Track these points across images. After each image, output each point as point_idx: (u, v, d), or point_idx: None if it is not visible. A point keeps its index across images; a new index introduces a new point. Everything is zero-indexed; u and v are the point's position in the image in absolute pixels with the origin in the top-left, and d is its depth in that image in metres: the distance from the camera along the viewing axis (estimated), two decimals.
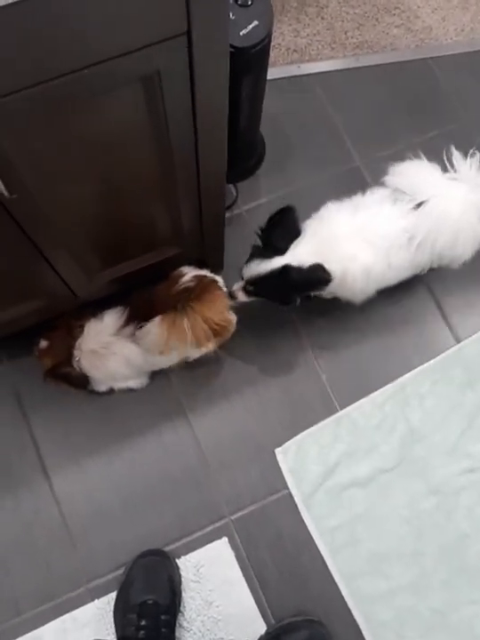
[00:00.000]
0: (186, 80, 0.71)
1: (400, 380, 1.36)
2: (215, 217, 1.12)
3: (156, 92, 0.72)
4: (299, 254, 1.14)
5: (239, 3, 1.08)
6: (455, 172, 1.15)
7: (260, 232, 1.18)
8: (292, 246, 1.16)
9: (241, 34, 1.07)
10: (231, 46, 1.06)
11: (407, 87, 1.62)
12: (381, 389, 1.35)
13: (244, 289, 1.23)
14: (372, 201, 1.18)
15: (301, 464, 1.29)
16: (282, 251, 1.16)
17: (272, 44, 1.64)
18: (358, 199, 1.20)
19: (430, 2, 1.71)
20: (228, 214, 1.46)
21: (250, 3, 1.08)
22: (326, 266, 1.12)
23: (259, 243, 1.19)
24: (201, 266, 1.33)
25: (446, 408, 1.34)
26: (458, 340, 1.40)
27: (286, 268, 1.13)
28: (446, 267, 1.25)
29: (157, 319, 1.07)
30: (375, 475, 1.29)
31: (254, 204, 1.50)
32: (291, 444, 1.30)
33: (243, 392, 1.33)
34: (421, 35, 1.68)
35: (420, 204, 1.13)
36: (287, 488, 1.27)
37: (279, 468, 1.28)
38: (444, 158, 1.16)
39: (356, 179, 1.52)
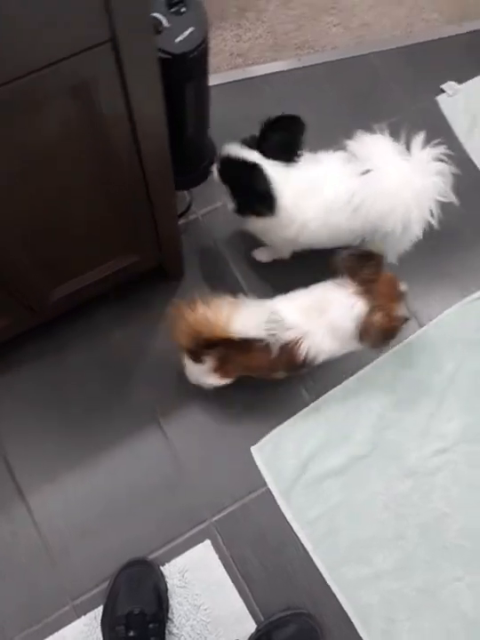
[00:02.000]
0: (118, 88, 0.72)
1: (368, 367, 1.38)
2: (168, 223, 1.13)
3: (90, 101, 0.73)
4: (280, 187, 1.14)
5: (173, 11, 1.10)
6: (409, 153, 1.18)
7: (264, 124, 1.15)
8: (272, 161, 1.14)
9: (177, 41, 1.08)
10: (168, 53, 1.09)
11: (351, 83, 1.65)
12: (350, 378, 1.37)
13: (218, 166, 1.21)
14: (328, 158, 1.20)
15: (278, 460, 1.30)
16: (267, 154, 1.15)
17: (215, 50, 1.68)
18: (319, 155, 1.22)
19: (366, 0, 1.76)
20: (183, 220, 1.48)
21: (184, 10, 1.10)
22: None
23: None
24: (160, 273, 1.35)
25: (414, 392, 1.37)
26: (421, 325, 1.43)
27: (256, 167, 1.12)
28: (381, 244, 1.24)
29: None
30: (350, 463, 1.30)
31: (210, 208, 1.51)
32: (266, 441, 1.31)
33: (213, 392, 1.33)
34: (360, 31, 1.73)
35: (366, 172, 1.15)
36: (265, 485, 1.28)
37: (256, 466, 1.29)
38: (403, 141, 1.18)
39: None
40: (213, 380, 1.16)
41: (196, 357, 1.12)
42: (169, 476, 1.28)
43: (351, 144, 1.19)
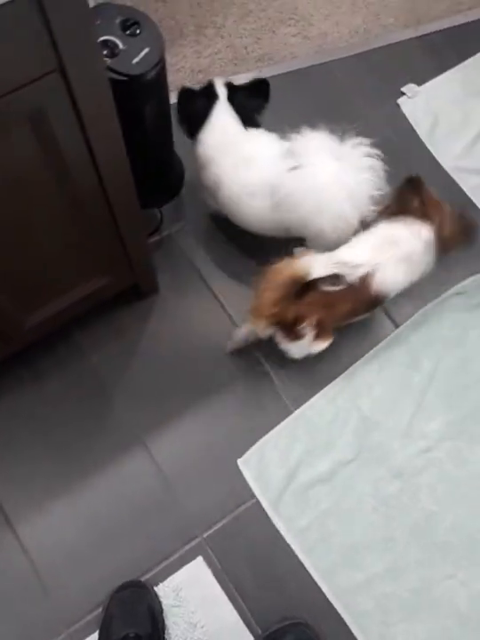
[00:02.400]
0: (71, 114, 0.73)
1: (347, 371, 1.39)
2: (137, 243, 1.13)
3: (46, 129, 0.74)
4: (217, 119, 1.25)
5: (128, 33, 1.10)
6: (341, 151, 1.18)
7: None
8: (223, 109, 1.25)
9: (134, 62, 1.09)
10: (126, 75, 1.09)
11: (313, 92, 1.67)
12: (331, 384, 1.38)
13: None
14: (269, 141, 1.26)
15: (264, 471, 1.30)
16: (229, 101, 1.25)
17: (176, 67, 1.69)
18: (265, 134, 1.28)
19: (321, 9, 1.78)
20: (156, 238, 1.49)
21: (138, 31, 1.11)
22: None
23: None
24: (135, 291, 1.35)
25: (395, 392, 1.38)
26: (396, 326, 1.44)
27: (212, 92, 1.24)
28: (316, 240, 1.25)
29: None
30: (337, 468, 1.31)
31: (181, 224, 1.52)
32: (251, 453, 1.31)
33: (196, 408, 1.34)
34: (318, 41, 1.75)
35: (294, 169, 1.16)
36: (254, 497, 1.28)
37: (243, 479, 1.29)
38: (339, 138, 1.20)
39: None
40: (319, 346, 1.20)
41: (294, 334, 1.14)
42: (157, 494, 1.27)
43: (295, 137, 1.20)
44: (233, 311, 1.43)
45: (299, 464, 1.31)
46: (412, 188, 1.19)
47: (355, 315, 1.23)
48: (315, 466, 1.31)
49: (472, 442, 1.35)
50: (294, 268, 1.08)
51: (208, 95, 1.27)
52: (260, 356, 1.39)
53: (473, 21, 1.80)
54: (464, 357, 1.42)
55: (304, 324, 1.12)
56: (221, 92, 1.26)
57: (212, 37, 1.71)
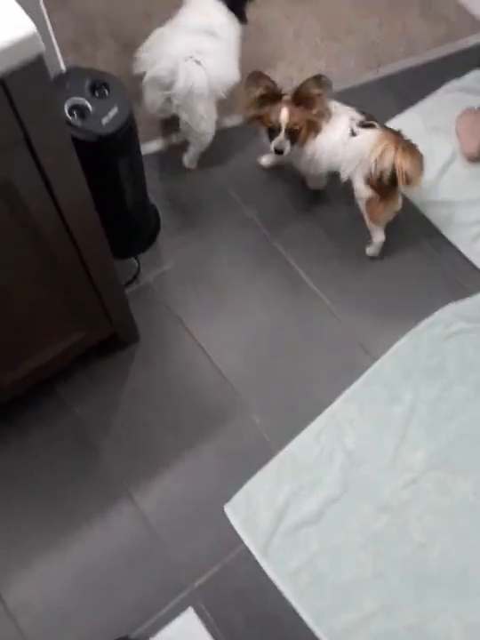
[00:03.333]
0: (39, 180, 0.75)
1: (329, 408, 1.40)
2: (113, 295, 1.15)
3: (15, 195, 0.76)
4: None
5: (96, 95, 1.14)
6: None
7: None
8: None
9: (103, 122, 1.13)
10: (96, 135, 1.12)
11: None
12: (314, 422, 1.39)
13: None
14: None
15: (252, 515, 1.30)
16: None
17: (149, 119, 1.73)
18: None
19: (286, 56, 1.85)
20: (134, 286, 1.51)
21: (107, 93, 1.15)
22: None
23: None
24: (115, 341, 1.36)
25: (378, 426, 1.39)
26: (375, 359, 1.46)
27: None
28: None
29: None
30: (324, 507, 1.31)
31: (159, 271, 1.54)
32: (238, 498, 1.31)
33: (180, 455, 1.34)
34: (283, 84, 1.80)
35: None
36: (242, 542, 1.27)
37: (231, 525, 1.29)
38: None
39: (250, 227, 1.60)
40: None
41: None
42: (144, 546, 1.26)
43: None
44: (213, 354, 1.44)
45: (286, 505, 1.31)
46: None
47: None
48: (302, 506, 1.31)
49: (455, 471, 1.36)
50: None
51: None
52: (242, 398, 1.40)
53: (430, 62, 1.88)
54: (444, 387, 1.44)
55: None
56: None
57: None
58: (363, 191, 1.41)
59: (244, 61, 1.80)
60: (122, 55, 1.80)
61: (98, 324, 1.23)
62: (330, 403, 1.40)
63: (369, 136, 1.35)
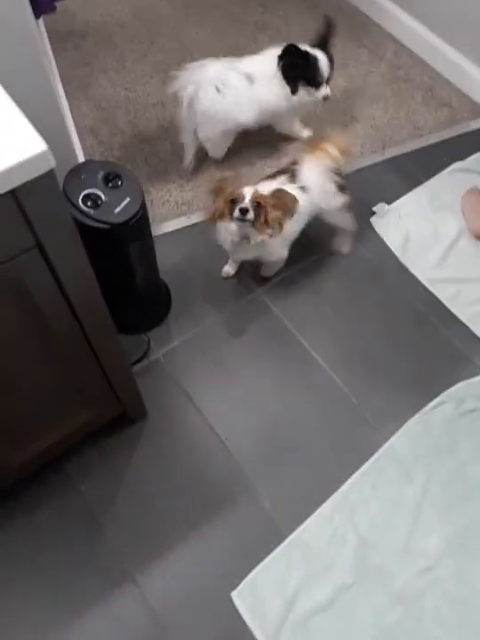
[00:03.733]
0: (51, 279, 0.79)
1: (341, 489, 1.37)
2: (121, 376, 1.17)
3: (27, 294, 0.79)
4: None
5: (110, 185, 1.21)
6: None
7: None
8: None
9: (116, 211, 1.18)
10: (108, 223, 1.18)
11: None
12: (325, 504, 1.36)
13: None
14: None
15: (260, 602, 1.25)
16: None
17: (162, 200, 1.82)
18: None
19: (294, 142, 1.93)
20: (144, 362, 1.53)
21: (120, 183, 1.21)
22: None
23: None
24: (123, 418, 1.37)
25: (390, 508, 1.35)
26: (386, 439, 1.44)
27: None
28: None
29: None
30: (336, 594, 1.26)
31: (169, 347, 1.56)
32: (245, 585, 1.27)
33: (186, 538, 1.31)
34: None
35: None
36: (250, 631, 1.22)
37: (239, 612, 1.24)
38: None
39: (258, 306, 1.63)
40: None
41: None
42: (148, 634, 1.21)
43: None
44: (222, 433, 1.44)
45: (297, 592, 1.26)
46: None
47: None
48: (314, 593, 1.26)
49: (474, 558, 1.31)
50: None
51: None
52: (250, 478, 1.38)
53: (434, 144, 1.96)
54: (457, 467, 1.41)
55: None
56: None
57: (193, 173, 1.85)
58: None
59: (254, 148, 1.91)
60: (136, 141, 1.91)
61: (107, 404, 1.24)
62: (341, 484, 1.37)
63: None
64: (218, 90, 1.62)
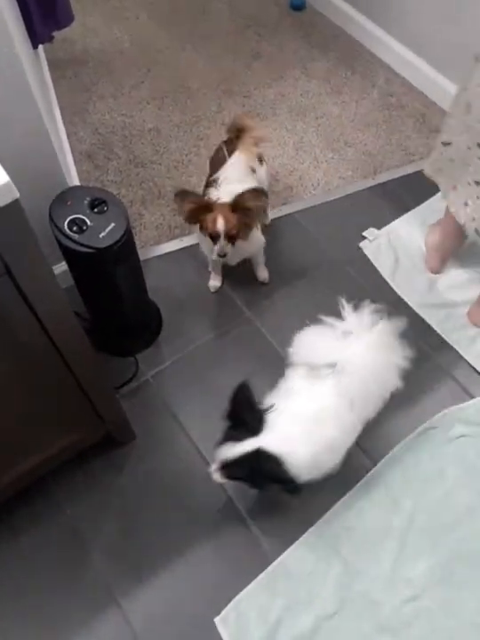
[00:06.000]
0: (23, 306, 0.80)
1: (326, 515, 1.36)
2: (104, 400, 1.17)
3: (0, 322, 0.80)
4: (270, 438, 1.11)
5: (96, 211, 1.23)
6: (345, 322, 1.25)
7: (227, 415, 1.16)
8: (266, 426, 1.13)
9: (101, 236, 1.20)
10: (94, 248, 1.20)
11: (280, 240, 1.80)
12: (310, 530, 1.34)
13: (220, 471, 1.15)
14: (299, 385, 1.24)
15: (244, 629, 1.24)
16: (255, 430, 1.12)
17: (155, 224, 1.84)
18: (287, 383, 1.26)
19: (286, 166, 1.97)
20: (133, 384, 1.53)
21: (106, 209, 1.23)
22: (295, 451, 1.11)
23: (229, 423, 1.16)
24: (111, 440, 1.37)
25: (376, 535, 1.34)
26: (374, 463, 1.43)
27: (259, 453, 1.09)
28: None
29: None
30: (319, 623, 1.24)
31: (158, 369, 1.57)
32: (229, 611, 1.25)
33: (171, 561, 1.30)
34: (284, 194, 1.91)
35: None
36: None
37: (222, 639, 1.22)
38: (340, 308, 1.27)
39: (249, 329, 1.64)
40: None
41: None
42: None
43: (296, 353, 1.29)
44: (209, 456, 1.43)
45: (279, 621, 1.24)
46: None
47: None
48: (296, 622, 1.24)
49: (461, 587, 1.29)
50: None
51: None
52: (236, 504, 1.37)
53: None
54: (444, 494, 1.40)
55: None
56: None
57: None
58: None
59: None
60: (131, 166, 1.95)
61: (92, 427, 1.24)
62: (327, 509, 1.36)
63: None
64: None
